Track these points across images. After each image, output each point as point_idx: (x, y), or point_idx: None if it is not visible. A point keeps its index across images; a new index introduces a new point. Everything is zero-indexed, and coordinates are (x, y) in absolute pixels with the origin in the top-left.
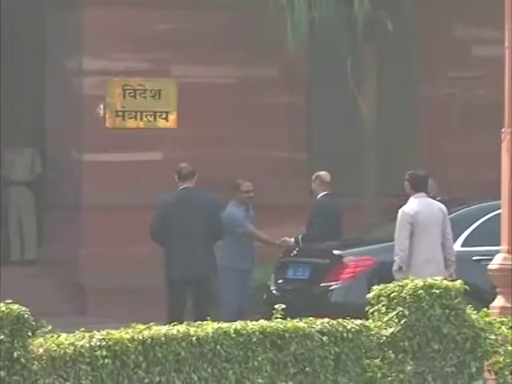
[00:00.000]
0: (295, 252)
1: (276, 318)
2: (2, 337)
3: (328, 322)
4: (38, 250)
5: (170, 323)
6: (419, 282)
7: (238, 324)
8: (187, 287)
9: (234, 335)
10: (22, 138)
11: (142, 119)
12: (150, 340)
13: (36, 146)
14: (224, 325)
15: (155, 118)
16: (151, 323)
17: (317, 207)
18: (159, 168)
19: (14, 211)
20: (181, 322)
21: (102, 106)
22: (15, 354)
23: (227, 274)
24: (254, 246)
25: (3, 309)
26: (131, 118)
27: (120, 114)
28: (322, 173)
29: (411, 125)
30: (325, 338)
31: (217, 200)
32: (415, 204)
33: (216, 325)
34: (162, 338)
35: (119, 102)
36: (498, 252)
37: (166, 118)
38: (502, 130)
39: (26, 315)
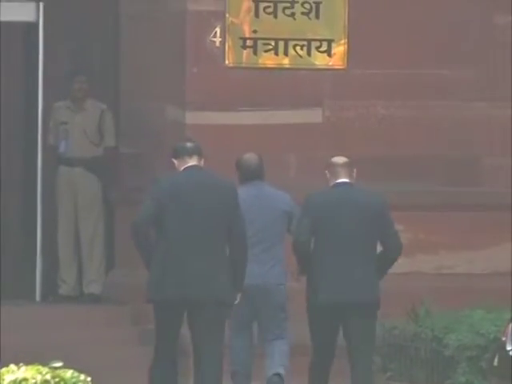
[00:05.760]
0: None
1: None
2: None
3: None
4: (108, 276)
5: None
6: None
7: None
8: (182, 314)
9: None
10: (85, 81)
11: (286, 53)
12: None
13: (105, 100)
14: None
15: (309, 51)
16: None
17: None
18: (317, 137)
19: (66, 209)
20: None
21: (217, 31)
22: None
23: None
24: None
25: (47, 377)
26: (268, 50)
27: (249, 43)
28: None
29: None
30: None
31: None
32: None
33: None
34: None
35: (248, 24)
36: None
37: (329, 52)
38: None
39: None
